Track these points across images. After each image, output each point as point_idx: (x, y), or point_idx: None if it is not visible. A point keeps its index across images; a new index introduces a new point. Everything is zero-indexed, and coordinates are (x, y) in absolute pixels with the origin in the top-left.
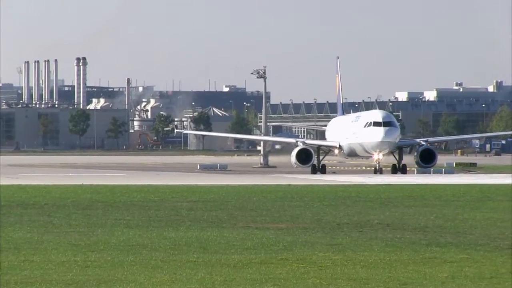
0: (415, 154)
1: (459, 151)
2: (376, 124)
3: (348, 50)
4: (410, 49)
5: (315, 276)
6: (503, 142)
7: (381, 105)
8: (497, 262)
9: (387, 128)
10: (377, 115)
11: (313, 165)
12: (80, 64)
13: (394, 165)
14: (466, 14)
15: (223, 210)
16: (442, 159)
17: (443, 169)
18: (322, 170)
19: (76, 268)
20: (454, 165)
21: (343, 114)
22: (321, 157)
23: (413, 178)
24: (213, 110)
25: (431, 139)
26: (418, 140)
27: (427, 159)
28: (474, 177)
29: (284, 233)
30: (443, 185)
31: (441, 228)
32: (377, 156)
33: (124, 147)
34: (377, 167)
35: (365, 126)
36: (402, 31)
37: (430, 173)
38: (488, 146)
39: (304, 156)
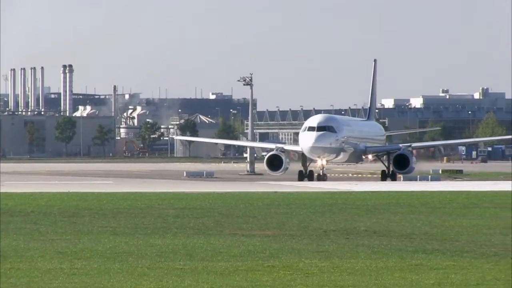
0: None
1: (445, 158)
2: (310, 129)
3: (335, 57)
4: (396, 56)
5: (301, 283)
6: (489, 149)
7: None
8: (483, 269)
9: (320, 133)
10: (314, 120)
11: (300, 172)
12: (67, 71)
13: (383, 171)
14: (452, 21)
15: (210, 217)
16: (428, 166)
17: (430, 176)
18: (310, 176)
19: (62, 275)
20: (440, 172)
21: (367, 118)
22: (308, 163)
23: (400, 185)
24: (199, 117)
25: (414, 144)
26: (400, 145)
27: (401, 165)
28: (460, 184)
29: (271, 240)
30: (429, 192)
31: (428, 235)
32: (320, 162)
33: (111, 154)
34: (321, 173)
35: (302, 131)
36: (388, 38)
37: (416, 179)
38: (474, 153)
39: (276, 162)
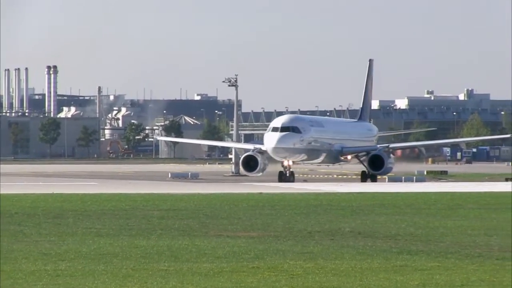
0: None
1: (430, 159)
2: (274, 129)
3: (319, 58)
4: (381, 58)
5: (286, 284)
6: (474, 150)
7: (352, 113)
8: (468, 270)
9: (283, 133)
10: (279, 120)
11: (280, 172)
12: (51, 72)
13: (363, 172)
14: (436, 22)
15: (195, 218)
16: (413, 167)
17: (415, 177)
18: (290, 177)
19: (46, 277)
20: (425, 173)
21: (359, 119)
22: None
23: (384, 186)
24: (184, 119)
25: (392, 145)
26: (378, 145)
27: (377, 165)
28: (445, 185)
29: (256, 242)
30: (414, 193)
31: (412, 236)
32: (286, 163)
33: (95, 155)
34: (286, 174)
35: (267, 132)
36: (372, 39)
37: (401, 181)
38: (459, 154)
39: (252, 163)
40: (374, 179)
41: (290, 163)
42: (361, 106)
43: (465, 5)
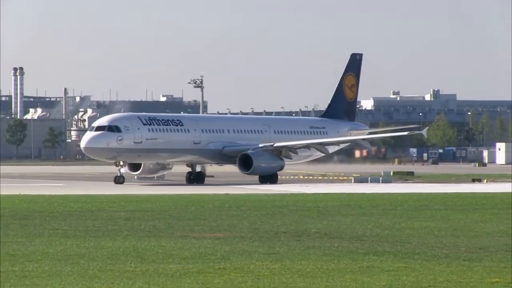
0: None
1: (396, 159)
2: (91, 128)
3: (286, 59)
4: (346, 58)
5: (252, 285)
6: (440, 151)
7: (318, 114)
8: (434, 271)
9: (96, 133)
10: (99, 120)
11: (188, 173)
12: (17, 74)
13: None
14: (401, 22)
15: (161, 219)
16: (379, 168)
17: (381, 178)
18: (197, 179)
19: (14, 278)
20: (392, 173)
21: (322, 116)
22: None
23: (350, 187)
24: None
25: (277, 144)
26: (261, 145)
27: (247, 165)
28: (411, 186)
29: (222, 243)
30: (380, 194)
31: (379, 237)
32: (118, 164)
33: (62, 157)
34: (118, 175)
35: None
36: (338, 39)
37: (367, 181)
38: (425, 155)
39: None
40: (272, 181)
41: (121, 163)
42: (329, 102)
43: (431, 5)
